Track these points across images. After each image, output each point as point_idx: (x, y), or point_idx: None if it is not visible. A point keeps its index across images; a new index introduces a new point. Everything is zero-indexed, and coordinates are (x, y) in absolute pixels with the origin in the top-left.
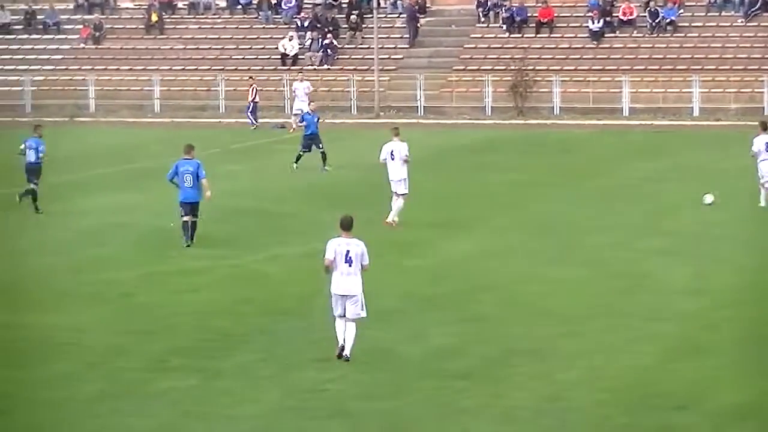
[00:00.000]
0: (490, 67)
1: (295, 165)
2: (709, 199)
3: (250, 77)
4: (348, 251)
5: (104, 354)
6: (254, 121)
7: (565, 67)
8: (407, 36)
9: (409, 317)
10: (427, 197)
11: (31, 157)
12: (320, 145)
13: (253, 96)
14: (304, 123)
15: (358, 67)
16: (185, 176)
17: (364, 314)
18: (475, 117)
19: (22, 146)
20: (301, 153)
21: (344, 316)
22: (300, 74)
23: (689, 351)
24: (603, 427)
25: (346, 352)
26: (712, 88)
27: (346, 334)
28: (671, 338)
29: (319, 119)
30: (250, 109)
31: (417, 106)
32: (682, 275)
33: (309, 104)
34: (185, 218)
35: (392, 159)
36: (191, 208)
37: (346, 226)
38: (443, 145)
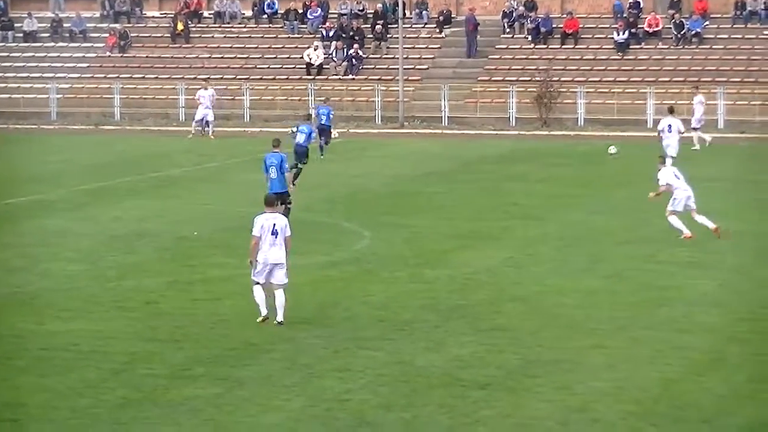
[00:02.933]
0: (514, 78)
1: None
2: (612, 149)
3: (206, 79)
4: (274, 224)
5: (128, 361)
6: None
7: (590, 79)
8: (435, 47)
9: (430, 328)
10: (452, 208)
11: (299, 139)
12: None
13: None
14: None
15: (383, 77)
16: (270, 168)
17: (287, 281)
18: (500, 128)
19: (294, 129)
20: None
21: (264, 284)
22: (205, 82)
23: (715, 364)
24: None
25: (280, 318)
26: (737, 100)
27: (276, 302)
28: (697, 351)
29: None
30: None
31: (441, 117)
32: (708, 288)
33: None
34: None
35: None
36: (276, 198)
37: (270, 202)
38: (468, 155)
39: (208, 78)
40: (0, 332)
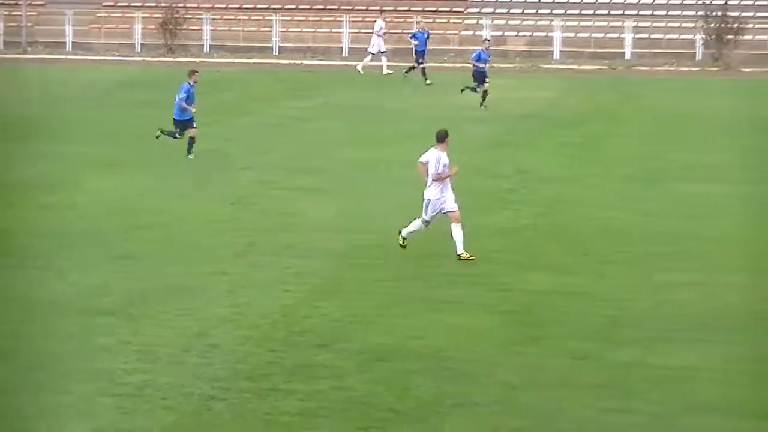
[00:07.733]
0: (140, 4)
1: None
2: None
3: None
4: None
5: None
6: None
7: (216, 5)
8: None
9: (53, 255)
10: (82, 135)
11: None
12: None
13: None
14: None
15: (5, 2)
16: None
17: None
18: (125, 54)
19: None
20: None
21: None
22: None
23: (335, 290)
24: (246, 363)
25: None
26: (362, 28)
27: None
28: (317, 277)
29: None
30: None
31: (65, 42)
32: (331, 214)
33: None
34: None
35: None
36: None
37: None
38: (94, 81)
39: None
40: None
